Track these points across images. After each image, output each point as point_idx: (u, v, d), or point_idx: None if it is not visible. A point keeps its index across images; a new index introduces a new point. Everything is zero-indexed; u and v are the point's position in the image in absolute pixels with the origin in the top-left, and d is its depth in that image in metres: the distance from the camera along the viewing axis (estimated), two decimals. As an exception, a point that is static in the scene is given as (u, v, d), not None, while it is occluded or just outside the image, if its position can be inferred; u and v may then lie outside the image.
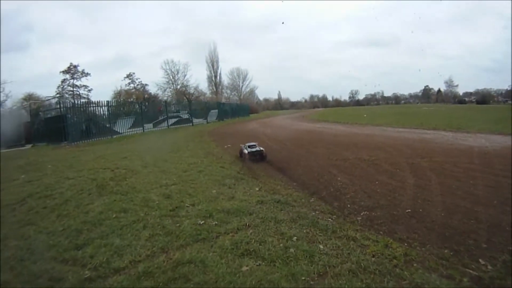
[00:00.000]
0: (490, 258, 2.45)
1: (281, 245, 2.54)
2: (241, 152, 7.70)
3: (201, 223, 3.07)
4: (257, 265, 2.25)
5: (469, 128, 11.72)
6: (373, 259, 2.34)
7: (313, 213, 3.38)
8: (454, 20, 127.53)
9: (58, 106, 17.00)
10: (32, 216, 3.83)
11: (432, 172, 5.11)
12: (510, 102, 79.84)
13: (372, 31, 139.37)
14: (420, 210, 3.55)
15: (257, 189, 4.28)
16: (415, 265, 2.29)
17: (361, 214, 3.50)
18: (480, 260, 2.43)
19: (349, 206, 3.73)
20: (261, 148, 7.51)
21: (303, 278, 2.09)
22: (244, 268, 2.20)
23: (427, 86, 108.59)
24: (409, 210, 3.54)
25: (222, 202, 3.61)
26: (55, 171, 6.65)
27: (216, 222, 3.06)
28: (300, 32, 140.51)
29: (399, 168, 5.47)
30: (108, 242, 2.84)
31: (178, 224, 3.07)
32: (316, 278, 2.09)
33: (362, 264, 2.25)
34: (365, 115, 24.72)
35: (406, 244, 2.71)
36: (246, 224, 2.99)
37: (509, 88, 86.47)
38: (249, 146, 7.56)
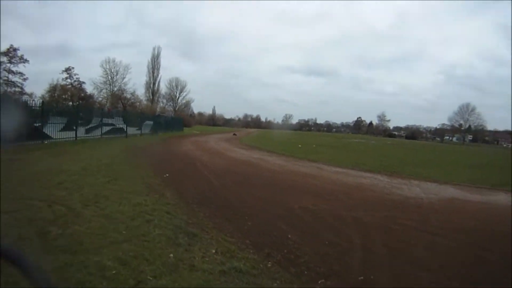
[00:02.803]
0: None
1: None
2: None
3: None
4: None
5: (402, 172, 13.28)
6: None
7: (275, 285, 3.61)
8: (394, 61, 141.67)
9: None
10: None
11: (375, 230, 5.67)
12: (438, 139, 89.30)
13: (315, 61, 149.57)
14: (372, 277, 3.92)
15: (213, 251, 4.34)
16: None
17: (319, 282, 3.77)
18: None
19: (306, 273, 3.99)
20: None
21: None
22: None
23: (359, 117, 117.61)
24: (362, 278, 3.90)
25: (185, 273, 3.60)
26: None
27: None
28: (244, 52, 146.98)
29: (345, 224, 5.96)
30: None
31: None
32: None
33: None
34: (299, 146, 25.99)
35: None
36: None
37: (438, 127, 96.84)
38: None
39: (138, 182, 8.44)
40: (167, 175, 9.78)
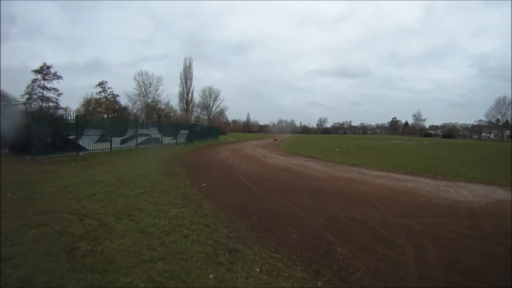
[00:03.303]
0: None
1: None
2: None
3: None
4: None
5: (446, 174, 12.59)
6: None
7: (327, 308, 3.25)
8: (425, 57, 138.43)
9: (26, 114, 17.10)
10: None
11: (428, 239, 5.27)
12: (475, 136, 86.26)
13: (345, 62, 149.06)
14: (430, 294, 3.61)
15: (258, 269, 4.09)
16: None
17: (374, 303, 3.48)
18: None
19: (360, 292, 3.69)
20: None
21: None
22: None
23: (394, 118, 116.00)
24: (420, 296, 3.59)
25: (229, 298, 3.26)
26: (14, 206, 6.28)
27: None
28: (275, 57, 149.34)
29: (395, 233, 5.58)
30: None
31: None
32: None
33: None
34: (337, 149, 25.48)
35: None
36: None
37: (474, 123, 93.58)
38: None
39: (175, 192, 8.31)
40: (205, 184, 9.63)
